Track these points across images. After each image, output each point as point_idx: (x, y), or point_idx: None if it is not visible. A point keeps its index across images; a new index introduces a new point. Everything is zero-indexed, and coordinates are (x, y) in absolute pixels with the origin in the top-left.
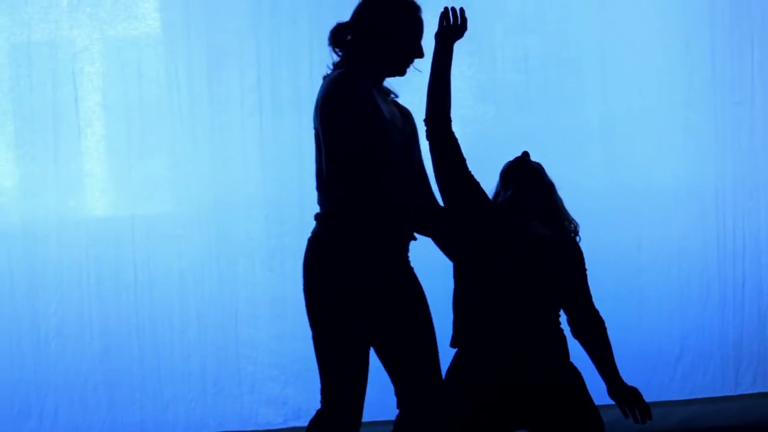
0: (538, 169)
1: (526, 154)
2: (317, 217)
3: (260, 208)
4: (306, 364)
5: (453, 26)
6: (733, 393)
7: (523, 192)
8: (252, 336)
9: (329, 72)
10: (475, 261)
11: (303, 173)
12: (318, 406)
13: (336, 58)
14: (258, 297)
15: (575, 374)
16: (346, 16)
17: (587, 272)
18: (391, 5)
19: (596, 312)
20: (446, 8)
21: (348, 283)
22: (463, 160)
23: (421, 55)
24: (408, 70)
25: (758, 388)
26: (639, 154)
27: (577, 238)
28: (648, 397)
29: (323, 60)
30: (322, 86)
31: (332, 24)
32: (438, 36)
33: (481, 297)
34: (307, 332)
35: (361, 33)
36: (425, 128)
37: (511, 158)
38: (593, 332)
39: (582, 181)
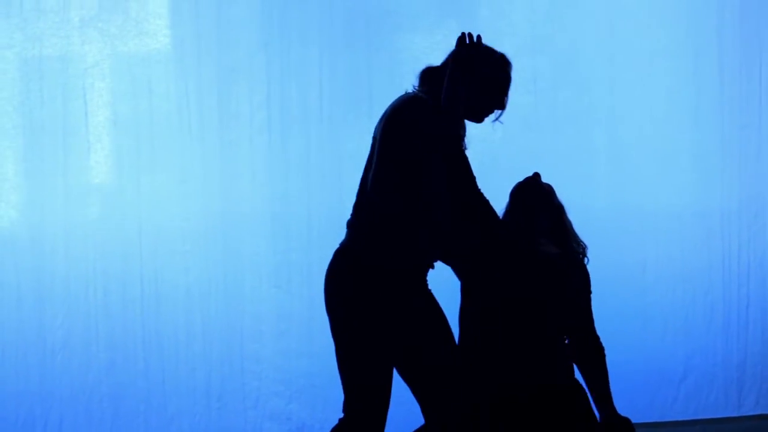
0: (548, 191)
1: (537, 175)
2: (349, 225)
3: (267, 224)
4: (310, 380)
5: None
6: (736, 414)
7: (534, 213)
8: (257, 351)
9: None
10: (484, 278)
11: (311, 190)
12: (323, 420)
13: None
14: (263, 313)
15: (579, 392)
16: (356, 35)
17: (592, 296)
18: (491, 54)
19: (597, 337)
20: (463, 33)
21: (371, 298)
22: (473, 178)
23: (503, 106)
24: (487, 120)
25: (761, 410)
26: (646, 176)
27: (585, 260)
28: (651, 417)
29: (332, 78)
30: (400, 101)
31: (342, 43)
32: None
33: (488, 314)
34: (311, 348)
35: (452, 78)
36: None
37: (522, 179)
38: (592, 357)
39: (588, 201)
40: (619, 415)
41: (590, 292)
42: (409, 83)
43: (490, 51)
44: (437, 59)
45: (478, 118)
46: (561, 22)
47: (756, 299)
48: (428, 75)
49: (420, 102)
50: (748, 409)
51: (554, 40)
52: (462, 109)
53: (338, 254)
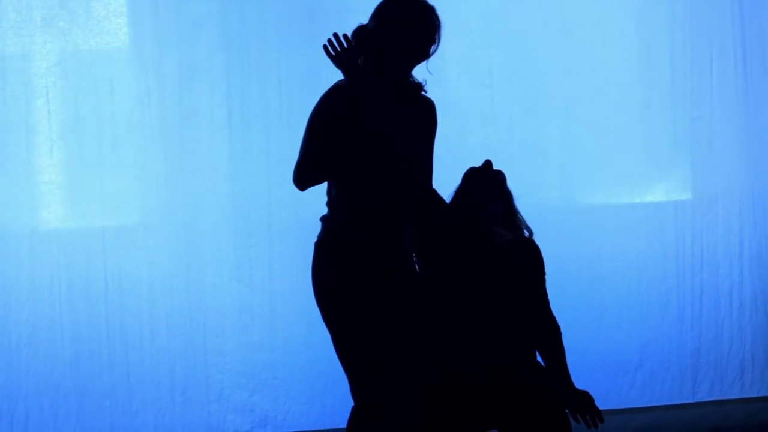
0: (500, 178)
1: (489, 162)
2: (321, 219)
3: (229, 220)
4: (273, 373)
5: (342, 52)
6: (691, 401)
7: (485, 198)
8: (220, 345)
9: None
10: (440, 268)
11: (271, 186)
12: (286, 411)
13: None
14: (226, 307)
15: (540, 374)
16: (314, 33)
17: (546, 277)
18: (404, 6)
19: (553, 317)
20: (329, 39)
21: (348, 284)
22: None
23: (425, 56)
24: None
25: (715, 396)
26: (599, 168)
27: None
28: (608, 404)
29: (291, 75)
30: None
31: (301, 39)
32: (346, 67)
33: (447, 301)
34: (273, 341)
35: (373, 34)
36: None
37: (476, 166)
38: (549, 336)
39: (543, 194)
40: (578, 390)
41: (544, 274)
42: None
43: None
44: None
45: (405, 68)
46: (515, 17)
47: (709, 288)
48: (358, 34)
49: (331, 89)
50: (703, 396)
51: (508, 34)
52: (382, 63)
53: (315, 246)
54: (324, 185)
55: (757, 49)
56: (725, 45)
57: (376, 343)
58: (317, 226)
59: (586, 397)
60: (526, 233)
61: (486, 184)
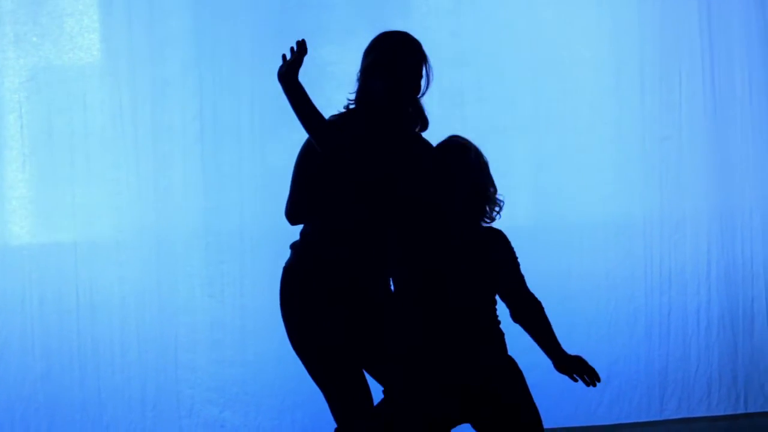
0: (467, 152)
1: (456, 137)
2: (291, 246)
3: (201, 235)
4: (244, 388)
5: (291, 60)
6: (658, 418)
7: (455, 178)
8: (191, 360)
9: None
10: (411, 260)
11: (243, 202)
12: (256, 427)
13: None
14: (197, 322)
15: (514, 368)
16: (286, 50)
17: (519, 260)
18: (386, 40)
19: (532, 295)
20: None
21: (317, 310)
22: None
23: (417, 90)
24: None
25: (683, 413)
26: (569, 187)
27: (498, 217)
28: (576, 422)
29: (264, 92)
30: None
31: (273, 57)
32: (281, 75)
33: (419, 296)
34: (244, 357)
35: (363, 71)
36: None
37: (445, 140)
38: (532, 314)
39: (513, 212)
40: (570, 355)
41: (516, 257)
42: (336, 96)
43: (379, 37)
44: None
45: (398, 104)
46: (485, 36)
47: (677, 307)
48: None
49: None
50: (671, 413)
51: (479, 53)
52: (378, 103)
53: (283, 271)
54: None
55: (725, 69)
56: (694, 65)
57: (343, 365)
58: (289, 242)
59: (579, 360)
60: (495, 208)
61: (455, 163)
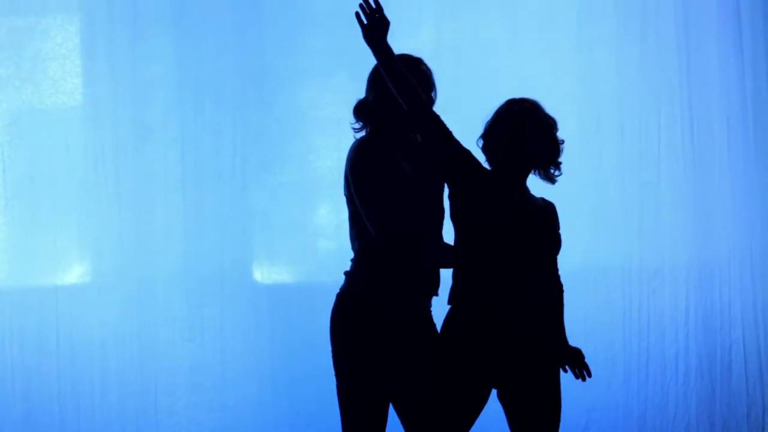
0: (539, 113)
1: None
2: (346, 273)
3: (181, 280)
4: None
5: (371, 21)
6: None
7: (525, 144)
8: (171, 404)
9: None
10: (481, 232)
11: (224, 246)
12: None
13: (358, 131)
14: (177, 366)
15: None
16: (269, 95)
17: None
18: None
19: (559, 277)
20: (360, 6)
21: (367, 340)
22: (451, 133)
23: (431, 102)
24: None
25: None
26: None
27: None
28: None
29: (246, 136)
30: (349, 153)
31: (255, 99)
32: (366, 38)
33: (484, 263)
34: (225, 401)
35: (374, 98)
36: (411, 121)
37: (518, 101)
38: (555, 297)
39: None
40: (571, 347)
41: (559, 228)
42: (316, 141)
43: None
44: (339, 120)
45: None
46: (464, 84)
47: (655, 354)
48: (361, 107)
49: (360, 148)
50: None
51: (458, 100)
52: (399, 128)
53: (337, 297)
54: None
55: (703, 116)
56: (673, 113)
57: (372, 403)
58: (268, 288)
59: (577, 354)
60: (556, 173)
61: (528, 129)
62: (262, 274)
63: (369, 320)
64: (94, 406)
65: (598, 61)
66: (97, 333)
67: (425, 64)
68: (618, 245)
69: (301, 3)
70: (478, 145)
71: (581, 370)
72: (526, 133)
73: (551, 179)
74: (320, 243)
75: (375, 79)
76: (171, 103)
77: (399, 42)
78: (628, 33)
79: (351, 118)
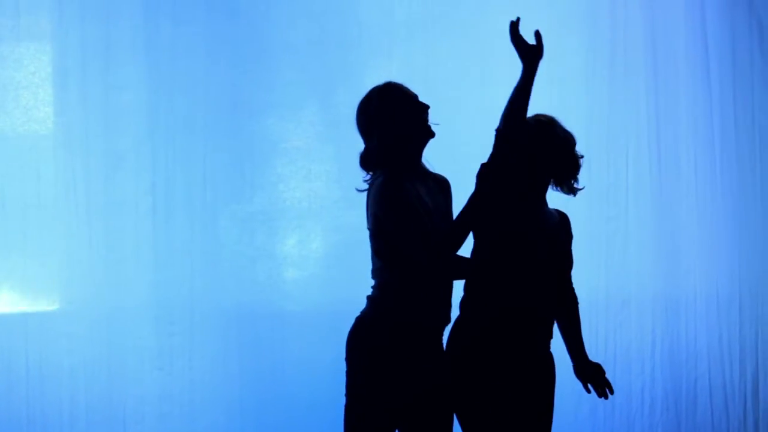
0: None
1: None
2: (368, 297)
3: (151, 308)
4: None
5: (538, 47)
6: None
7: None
8: None
9: (368, 184)
10: (507, 237)
11: (194, 276)
12: None
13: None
14: (146, 395)
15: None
16: (240, 125)
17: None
18: (378, 99)
19: (573, 288)
20: (537, 31)
21: (382, 362)
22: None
23: (426, 107)
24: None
25: None
26: None
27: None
28: None
29: (217, 167)
30: (372, 192)
31: (226, 130)
32: (527, 57)
33: (505, 267)
34: (193, 430)
35: (379, 142)
36: (500, 136)
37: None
38: (569, 307)
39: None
40: (592, 362)
41: (572, 238)
42: (286, 172)
43: (377, 97)
44: (309, 151)
45: (427, 136)
46: (437, 114)
47: (621, 386)
48: (363, 157)
49: (385, 186)
50: None
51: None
52: (412, 151)
53: (356, 320)
54: None
55: (671, 151)
56: (641, 146)
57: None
58: (237, 316)
59: (597, 369)
60: (574, 186)
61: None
62: (231, 302)
63: (396, 341)
64: None
65: (567, 96)
66: (66, 360)
67: (414, 94)
68: (585, 278)
69: (273, 34)
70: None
71: (603, 387)
72: (546, 147)
73: (573, 192)
74: (288, 272)
75: (370, 125)
76: (142, 133)
77: (371, 72)
78: (596, 69)
79: (320, 149)
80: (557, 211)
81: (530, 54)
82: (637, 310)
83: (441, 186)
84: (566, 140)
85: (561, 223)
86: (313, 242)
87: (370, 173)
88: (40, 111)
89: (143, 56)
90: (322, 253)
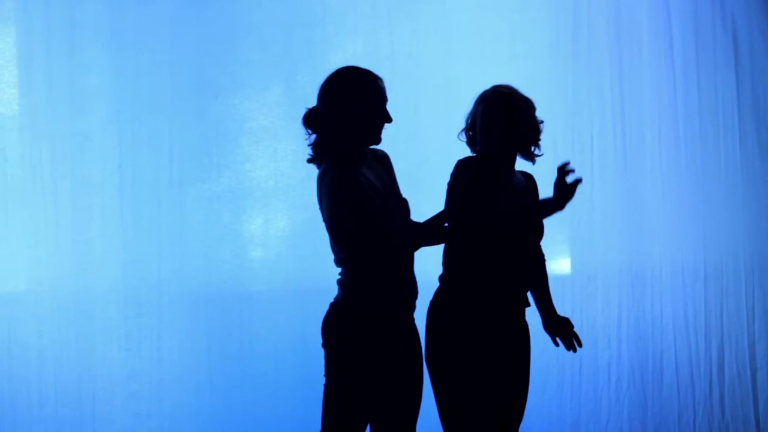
0: (517, 98)
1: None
2: (338, 282)
3: (119, 289)
4: None
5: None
6: None
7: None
8: (108, 413)
9: (310, 155)
10: (485, 219)
11: (161, 256)
12: None
13: (309, 139)
14: (115, 375)
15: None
16: (206, 105)
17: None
18: (351, 81)
19: (541, 247)
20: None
21: (358, 343)
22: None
23: (389, 119)
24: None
25: None
26: None
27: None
28: None
29: (183, 146)
30: (324, 186)
31: (192, 112)
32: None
33: (488, 245)
34: (162, 410)
35: (331, 115)
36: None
37: (496, 89)
38: (538, 264)
39: (426, 269)
40: (560, 317)
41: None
42: (253, 152)
43: (351, 79)
44: (275, 130)
45: (376, 140)
46: (400, 93)
47: (588, 360)
48: (313, 119)
49: (336, 178)
50: None
51: (394, 110)
52: (358, 144)
53: (331, 306)
54: None
55: (635, 126)
56: (605, 122)
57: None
58: (204, 296)
59: (566, 323)
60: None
61: (510, 114)
62: (199, 282)
63: (371, 327)
64: (32, 414)
65: (531, 72)
66: (35, 341)
67: (381, 80)
68: (551, 252)
69: (238, 14)
70: (461, 139)
71: (571, 340)
72: (514, 114)
73: (532, 159)
74: (255, 251)
75: (336, 99)
76: (108, 113)
77: (336, 51)
78: (560, 45)
79: (286, 128)
80: (522, 173)
81: (564, 196)
82: (603, 285)
83: (381, 161)
84: (528, 106)
85: (528, 186)
86: (280, 221)
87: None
88: (5, 93)
89: (108, 37)
90: (288, 232)
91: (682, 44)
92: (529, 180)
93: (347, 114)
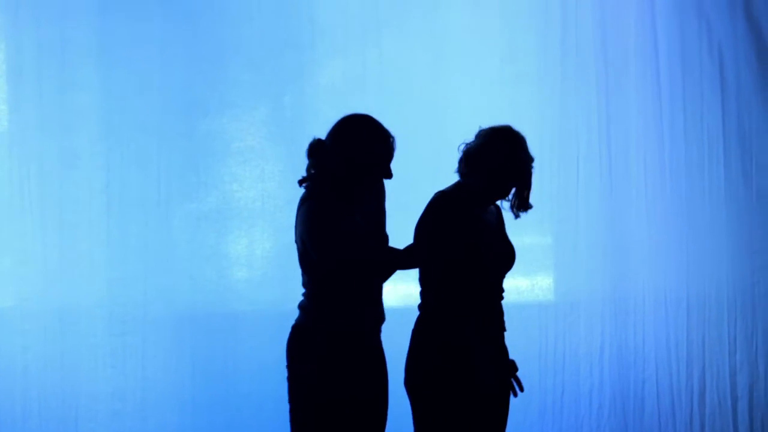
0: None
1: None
2: (299, 307)
3: (104, 306)
4: None
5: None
6: None
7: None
8: (91, 430)
9: (303, 177)
10: (468, 260)
11: (147, 275)
12: None
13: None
14: (99, 392)
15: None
16: (194, 125)
17: None
18: (365, 130)
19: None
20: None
21: (324, 368)
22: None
23: (389, 176)
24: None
25: None
26: None
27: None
28: None
29: (171, 166)
30: (300, 215)
31: (180, 130)
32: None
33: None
34: (145, 428)
35: (336, 156)
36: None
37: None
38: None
39: (409, 292)
40: (510, 359)
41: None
42: (241, 172)
43: (368, 133)
44: (262, 151)
45: (367, 186)
46: (389, 115)
47: (570, 387)
48: (315, 148)
49: (318, 212)
50: None
51: None
52: (350, 184)
53: (292, 329)
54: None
55: (621, 152)
56: (591, 147)
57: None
58: (191, 316)
59: (513, 367)
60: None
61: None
62: (184, 301)
63: (333, 349)
64: (15, 430)
65: (519, 97)
66: (20, 358)
67: (394, 139)
68: (534, 280)
69: (227, 34)
70: (460, 171)
71: (512, 383)
72: (522, 156)
73: (526, 208)
74: (241, 272)
75: (345, 144)
76: (97, 132)
77: (325, 72)
78: (548, 71)
79: (274, 149)
80: (493, 207)
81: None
82: (586, 313)
83: (377, 194)
84: (530, 162)
85: (497, 214)
86: (267, 242)
87: (304, 185)
88: None
89: (98, 56)
90: (274, 253)
91: (668, 72)
92: (498, 211)
93: (351, 158)
